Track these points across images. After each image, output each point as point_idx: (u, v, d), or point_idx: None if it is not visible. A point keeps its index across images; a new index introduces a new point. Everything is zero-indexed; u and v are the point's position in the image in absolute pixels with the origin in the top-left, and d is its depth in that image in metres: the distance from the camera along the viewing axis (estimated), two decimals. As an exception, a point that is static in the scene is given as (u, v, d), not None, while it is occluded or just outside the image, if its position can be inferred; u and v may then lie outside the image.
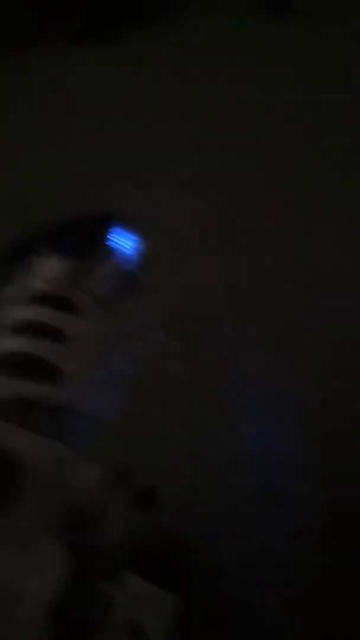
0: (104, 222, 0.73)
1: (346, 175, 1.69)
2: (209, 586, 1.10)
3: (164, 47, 2.15)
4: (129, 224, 0.75)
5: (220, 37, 2.13)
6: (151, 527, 0.67)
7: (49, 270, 0.68)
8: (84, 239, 0.73)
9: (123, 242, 0.74)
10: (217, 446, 1.27)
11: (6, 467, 0.51)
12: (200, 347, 1.44)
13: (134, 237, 0.75)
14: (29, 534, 0.48)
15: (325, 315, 1.44)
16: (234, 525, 1.15)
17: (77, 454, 0.56)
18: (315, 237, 1.59)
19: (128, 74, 2.15)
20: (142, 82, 2.10)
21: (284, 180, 1.73)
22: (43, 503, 0.51)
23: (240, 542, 1.13)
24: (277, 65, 1.98)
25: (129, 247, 0.74)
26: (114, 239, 0.73)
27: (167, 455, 1.26)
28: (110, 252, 0.72)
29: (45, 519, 0.51)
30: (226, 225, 1.65)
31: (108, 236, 0.72)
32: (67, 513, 0.53)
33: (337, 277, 1.51)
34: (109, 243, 0.72)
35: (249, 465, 1.23)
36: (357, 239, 1.57)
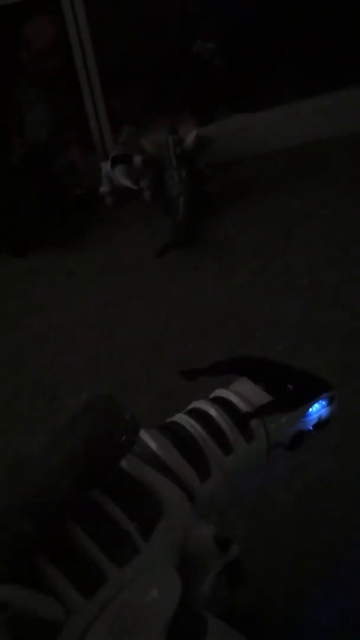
0: (319, 387, 0.80)
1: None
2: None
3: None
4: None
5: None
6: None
7: (245, 391, 0.77)
8: (292, 388, 0.78)
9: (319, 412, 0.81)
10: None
11: (149, 499, 0.64)
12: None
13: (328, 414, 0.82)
14: (160, 560, 0.62)
15: None
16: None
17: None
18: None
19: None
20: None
21: None
22: (170, 539, 0.64)
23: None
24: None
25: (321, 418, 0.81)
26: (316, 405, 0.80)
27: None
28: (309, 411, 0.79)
29: (170, 553, 0.64)
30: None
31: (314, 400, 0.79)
32: (183, 559, 0.66)
33: None
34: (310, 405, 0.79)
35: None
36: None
